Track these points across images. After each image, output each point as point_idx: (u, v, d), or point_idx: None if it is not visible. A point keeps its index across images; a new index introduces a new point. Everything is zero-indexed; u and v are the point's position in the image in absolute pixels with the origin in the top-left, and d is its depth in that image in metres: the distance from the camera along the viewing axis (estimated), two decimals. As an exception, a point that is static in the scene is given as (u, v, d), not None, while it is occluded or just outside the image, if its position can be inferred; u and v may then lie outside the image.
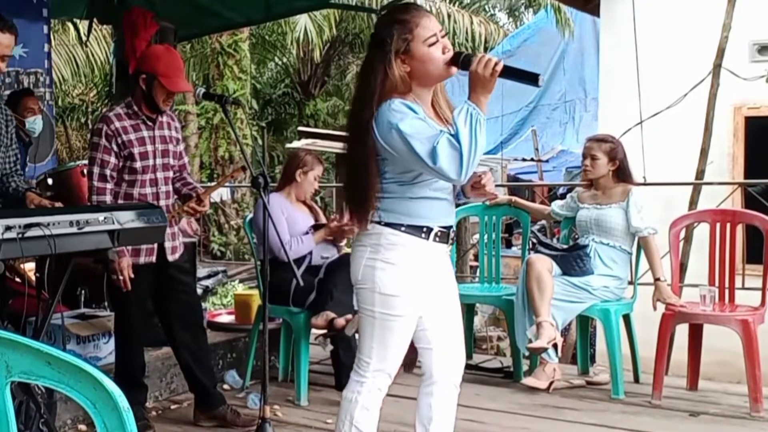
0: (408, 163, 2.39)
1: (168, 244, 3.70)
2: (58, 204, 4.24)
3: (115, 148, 3.57)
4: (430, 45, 2.39)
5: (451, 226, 2.56)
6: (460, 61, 2.39)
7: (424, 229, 2.47)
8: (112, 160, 3.57)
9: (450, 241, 2.57)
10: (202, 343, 3.91)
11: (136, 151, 3.60)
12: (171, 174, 3.78)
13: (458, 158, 2.28)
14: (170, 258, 3.74)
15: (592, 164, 4.44)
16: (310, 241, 4.29)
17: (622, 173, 4.44)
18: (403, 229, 2.46)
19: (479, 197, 2.70)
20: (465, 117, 2.30)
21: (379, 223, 2.48)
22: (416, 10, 2.46)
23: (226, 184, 10.78)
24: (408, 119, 2.34)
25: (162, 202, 3.65)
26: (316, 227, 4.37)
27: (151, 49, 4.02)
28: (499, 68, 2.32)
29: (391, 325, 2.50)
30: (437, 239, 2.50)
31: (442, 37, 2.42)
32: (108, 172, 3.57)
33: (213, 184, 3.85)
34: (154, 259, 3.69)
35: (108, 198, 3.57)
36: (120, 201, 3.61)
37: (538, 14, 16.62)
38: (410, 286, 2.49)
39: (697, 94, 6.00)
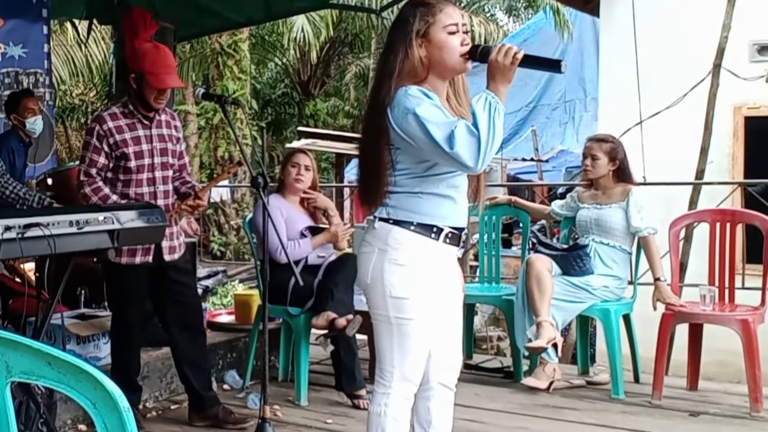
0: (423, 151, 2.32)
1: (165, 244, 3.67)
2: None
3: (105, 148, 3.58)
4: (450, 33, 2.37)
5: (462, 228, 2.49)
6: (478, 53, 2.35)
7: (434, 229, 2.41)
8: (101, 160, 3.59)
9: (461, 244, 2.50)
10: (198, 346, 3.89)
11: (130, 150, 3.59)
12: (171, 173, 3.75)
13: (476, 144, 2.22)
14: (167, 258, 3.71)
15: (593, 164, 4.44)
16: (307, 245, 4.27)
17: (622, 173, 4.44)
18: (412, 228, 2.40)
19: None
20: (483, 104, 2.25)
21: (387, 221, 2.43)
22: None
23: (225, 183, 10.79)
24: (425, 104, 2.30)
25: (160, 202, 3.63)
26: (314, 230, 4.35)
27: (138, 48, 4.01)
28: (519, 56, 2.28)
29: (407, 330, 2.42)
30: (448, 240, 2.44)
31: (464, 32, 2.39)
32: (94, 171, 3.59)
33: (210, 181, 3.84)
34: (150, 259, 3.66)
35: (98, 182, 3.58)
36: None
37: (537, 14, 16.64)
38: (421, 288, 2.42)
39: (697, 94, 6.00)
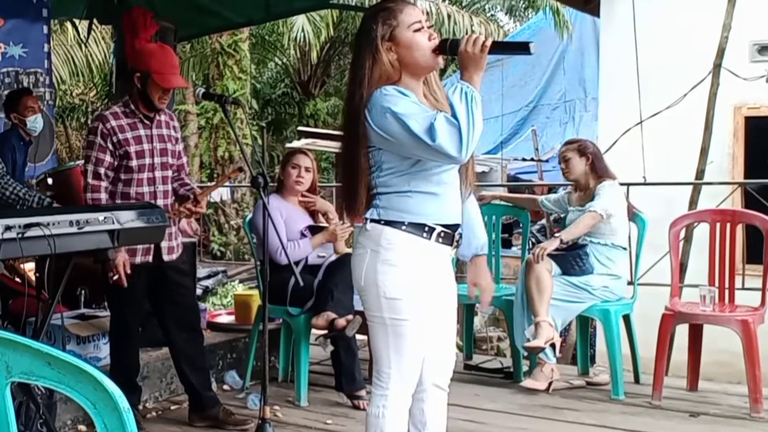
0: (405, 147, 2.32)
1: (164, 244, 3.67)
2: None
3: (110, 146, 3.56)
4: (415, 31, 2.38)
5: (456, 226, 2.48)
6: (448, 46, 2.37)
7: (426, 228, 2.40)
8: (107, 158, 3.57)
9: (455, 244, 2.49)
10: (197, 346, 3.90)
11: (132, 149, 3.59)
12: (170, 173, 3.76)
13: (457, 134, 2.23)
14: (166, 258, 3.72)
15: (567, 166, 4.52)
16: (307, 245, 4.26)
17: (598, 168, 4.47)
18: (404, 228, 2.39)
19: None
20: (460, 95, 2.26)
21: (378, 222, 2.42)
22: (401, 0, 2.46)
23: (225, 184, 10.80)
24: (402, 102, 2.31)
25: (160, 202, 3.62)
26: (313, 229, 4.35)
27: (143, 47, 3.99)
28: (488, 44, 2.29)
29: (402, 331, 2.42)
30: (440, 240, 2.43)
31: (428, 27, 2.41)
32: (102, 170, 3.57)
33: (211, 184, 3.83)
34: (150, 258, 3.67)
35: (103, 195, 3.56)
36: (117, 200, 3.60)
37: (537, 14, 16.63)
38: (414, 288, 2.41)
39: (697, 94, 6.00)
